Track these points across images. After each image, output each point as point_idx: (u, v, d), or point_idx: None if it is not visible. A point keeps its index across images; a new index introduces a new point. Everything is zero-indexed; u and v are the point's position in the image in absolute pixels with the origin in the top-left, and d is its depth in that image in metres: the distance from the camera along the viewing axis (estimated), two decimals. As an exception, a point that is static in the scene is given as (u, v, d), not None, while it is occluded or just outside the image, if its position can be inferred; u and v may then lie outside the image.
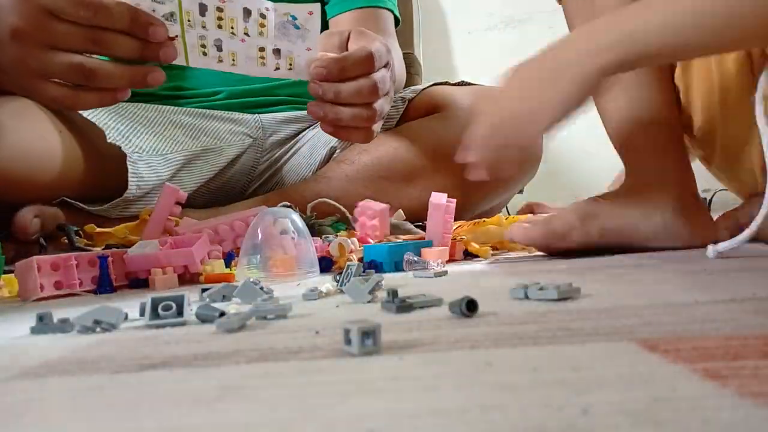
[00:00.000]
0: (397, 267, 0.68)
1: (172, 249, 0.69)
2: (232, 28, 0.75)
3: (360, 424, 0.20)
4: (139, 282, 0.68)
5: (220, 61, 0.77)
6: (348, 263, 0.55)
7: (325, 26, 1.15)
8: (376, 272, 0.57)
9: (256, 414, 0.22)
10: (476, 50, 2.14)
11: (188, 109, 1.10)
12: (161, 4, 0.72)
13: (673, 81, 0.80)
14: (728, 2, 0.56)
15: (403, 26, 1.34)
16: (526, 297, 0.41)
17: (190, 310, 0.42)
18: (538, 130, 0.65)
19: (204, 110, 1.11)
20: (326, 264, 0.71)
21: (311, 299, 0.49)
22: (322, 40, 0.84)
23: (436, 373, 0.25)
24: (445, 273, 0.61)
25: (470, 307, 0.36)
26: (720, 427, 0.18)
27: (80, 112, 0.96)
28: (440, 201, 0.75)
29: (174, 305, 0.40)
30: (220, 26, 0.75)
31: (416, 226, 0.88)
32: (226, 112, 1.12)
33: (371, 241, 0.77)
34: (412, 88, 1.16)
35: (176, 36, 0.74)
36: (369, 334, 0.29)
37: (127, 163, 0.94)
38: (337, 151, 1.10)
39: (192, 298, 0.48)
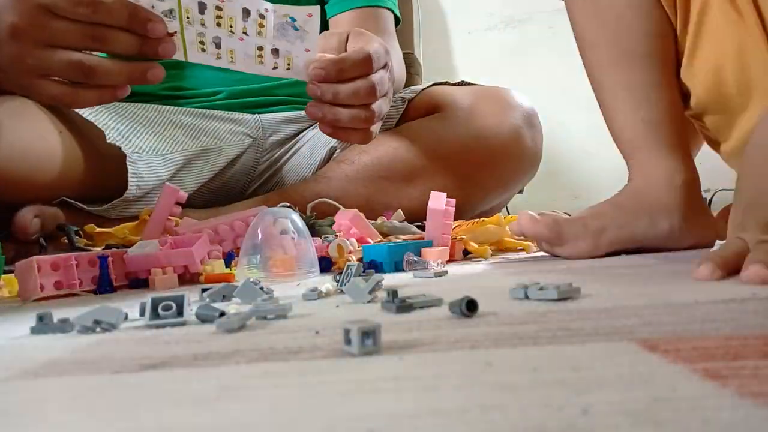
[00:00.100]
0: (397, 267, 0.68)
1: (172, 249, 0.69)
2: (230, 26, 0.75)
3: (360, 424, 0.20)
4: (139, 282, 0.68)
5: (219, 57, 0.77)
6: (348, 263, 0.55)
7: (324, 26, 1.15)
8: (376, 272, 0.57)
9: (256, 414, 0.22)
10: (476, 50, 2.14)
11: (188, 109, 1.10)
12: (160, 1, 0.72)
13: (679, 78, 0.79)
14: None
15: (403, 26, 1.34)
16: (526, 297, 0.41)
17: (190, 310, 0.42)
18: None
19: (204, 110, 1.11)
20: (326, 264, 0.71)
21: (311, 299, 0.49)
22: (321, 41, 0.84)
23: (436, 373, 0.25)
24: (445, 273, 0.62)
25: (470, 307, 0.36)
26: (720, 427, 0.18)
27: (80, 111, 0.96)
28: (439, 206, 0.74)
29: (174, 305, 0.40)
30: (219, 24, 0.75)
31: (416, 227, 0.88)
32: (226, 112, 1.12)
33: (370, 241, 0.77)
34: (412, 88, 1.16)
35: (175, 32, 0.74)
36: (369, 334, 0.29)
37: (127, 163, 0.94)
38: (337, 151, 1.10)
39: (192, 298, 0.48)
